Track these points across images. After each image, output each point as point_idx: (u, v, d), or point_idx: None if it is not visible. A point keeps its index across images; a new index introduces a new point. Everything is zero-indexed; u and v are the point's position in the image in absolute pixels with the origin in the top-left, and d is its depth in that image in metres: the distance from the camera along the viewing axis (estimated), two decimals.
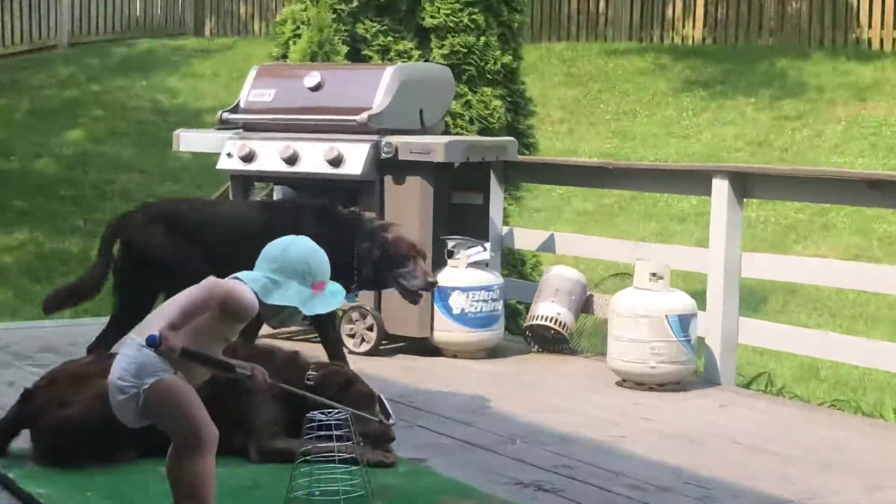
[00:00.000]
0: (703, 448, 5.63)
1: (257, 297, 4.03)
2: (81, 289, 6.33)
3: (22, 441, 5.13)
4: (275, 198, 9.01)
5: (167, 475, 4.12)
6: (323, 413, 4.45)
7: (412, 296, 6.27)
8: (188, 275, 4.64)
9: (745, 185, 7.11)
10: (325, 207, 6.38)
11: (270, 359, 5.14)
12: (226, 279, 4.08)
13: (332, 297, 4.13)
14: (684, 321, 6.69)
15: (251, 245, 4.37)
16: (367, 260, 6.14)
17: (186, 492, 4.00)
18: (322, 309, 4.10)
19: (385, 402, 4.83)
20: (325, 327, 6.44)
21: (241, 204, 7.53)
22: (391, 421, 4.79)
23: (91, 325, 8.44)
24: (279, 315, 4.11)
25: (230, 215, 6.56)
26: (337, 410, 4.48)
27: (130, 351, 3.95)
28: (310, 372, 5.12)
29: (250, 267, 4.12)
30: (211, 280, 4.06)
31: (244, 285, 4.05)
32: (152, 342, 3.92)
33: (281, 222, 5.84)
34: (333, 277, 4.19)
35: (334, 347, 6.45)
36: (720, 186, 7.10)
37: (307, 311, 4.05)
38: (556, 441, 5.67)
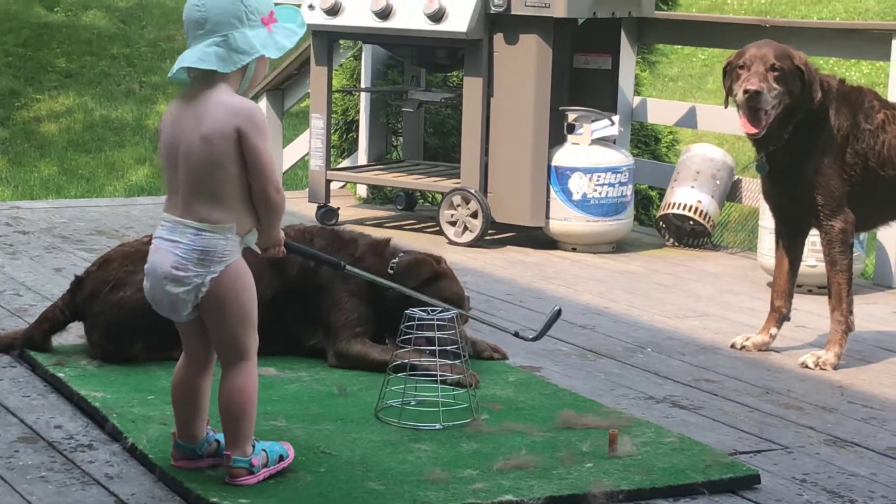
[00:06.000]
0: (872, 362, 5.60)
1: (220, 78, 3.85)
2: None
3: (73, 337, 5.27)
4: (363, 58, 9.04)
5: (179, 393, 4.01)
6: (425, 311, 4.49)
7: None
8: None
9: None
10: None
11: (352, 246, 5.21)
12: (217, 90, 3.86)
13: (293, 24, 3.93)
14: None
15: None
16: None
17: (235, 410, 3.90)
18: (288, 41, 3.91)
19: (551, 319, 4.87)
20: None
21: None
22: (530, 335, 4.88)
23: (148, 205, 8.62)
24: (243, 77, 3.91)
25: None
26: (439, 309, 4.52)
27: (184, 238, 3.85)
28: (394, 261, 5.19)
29: None
30: (244, 113, 3.82)
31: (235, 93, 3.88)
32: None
33: None
34: None
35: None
36: None
37: (273, 54, 3.88)
38: (694, 351, 5.68)
